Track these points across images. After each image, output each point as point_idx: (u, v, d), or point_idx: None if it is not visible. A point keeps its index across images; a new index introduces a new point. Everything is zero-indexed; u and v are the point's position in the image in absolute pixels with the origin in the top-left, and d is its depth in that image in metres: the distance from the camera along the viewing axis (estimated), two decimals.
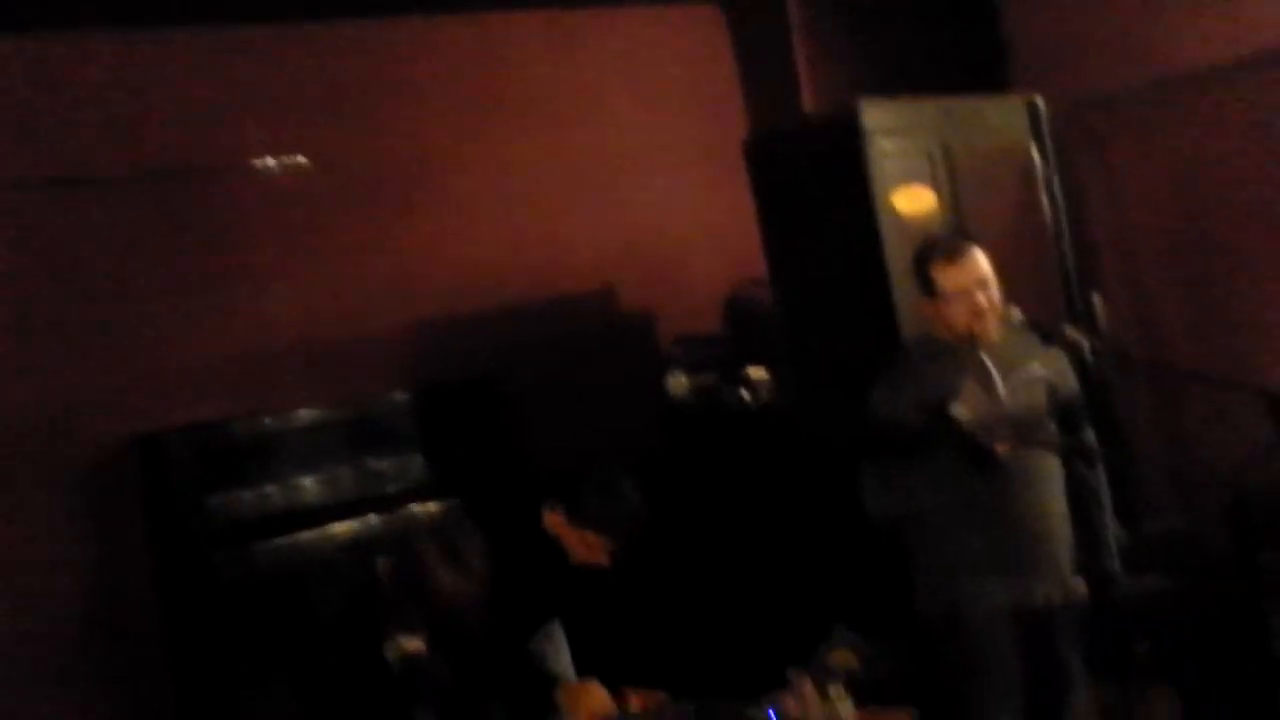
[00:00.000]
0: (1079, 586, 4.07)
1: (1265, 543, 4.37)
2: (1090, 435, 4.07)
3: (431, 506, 5.66)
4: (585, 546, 3.94)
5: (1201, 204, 5.87)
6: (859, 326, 5.21)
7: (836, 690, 3.63)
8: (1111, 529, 4.10)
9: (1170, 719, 4.57)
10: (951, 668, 4.04)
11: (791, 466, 5.25)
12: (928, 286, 4.05)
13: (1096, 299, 5.42)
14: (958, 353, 4.03)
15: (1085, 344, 3.89)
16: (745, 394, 3.37)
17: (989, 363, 3.93)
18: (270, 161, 5.86)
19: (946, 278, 4.00)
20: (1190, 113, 5.81)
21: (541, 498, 4.02)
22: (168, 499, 5.32)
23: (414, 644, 3.49)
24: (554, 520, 3.97)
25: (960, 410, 3.86)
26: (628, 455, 4.14)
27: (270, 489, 5.56)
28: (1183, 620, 4.58)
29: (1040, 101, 5.59)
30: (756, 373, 3.40)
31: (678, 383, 3.44)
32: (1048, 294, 5.47)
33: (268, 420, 5.59)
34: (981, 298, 3.99)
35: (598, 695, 3.74)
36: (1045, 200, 5.57)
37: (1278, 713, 4.34)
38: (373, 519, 5.63)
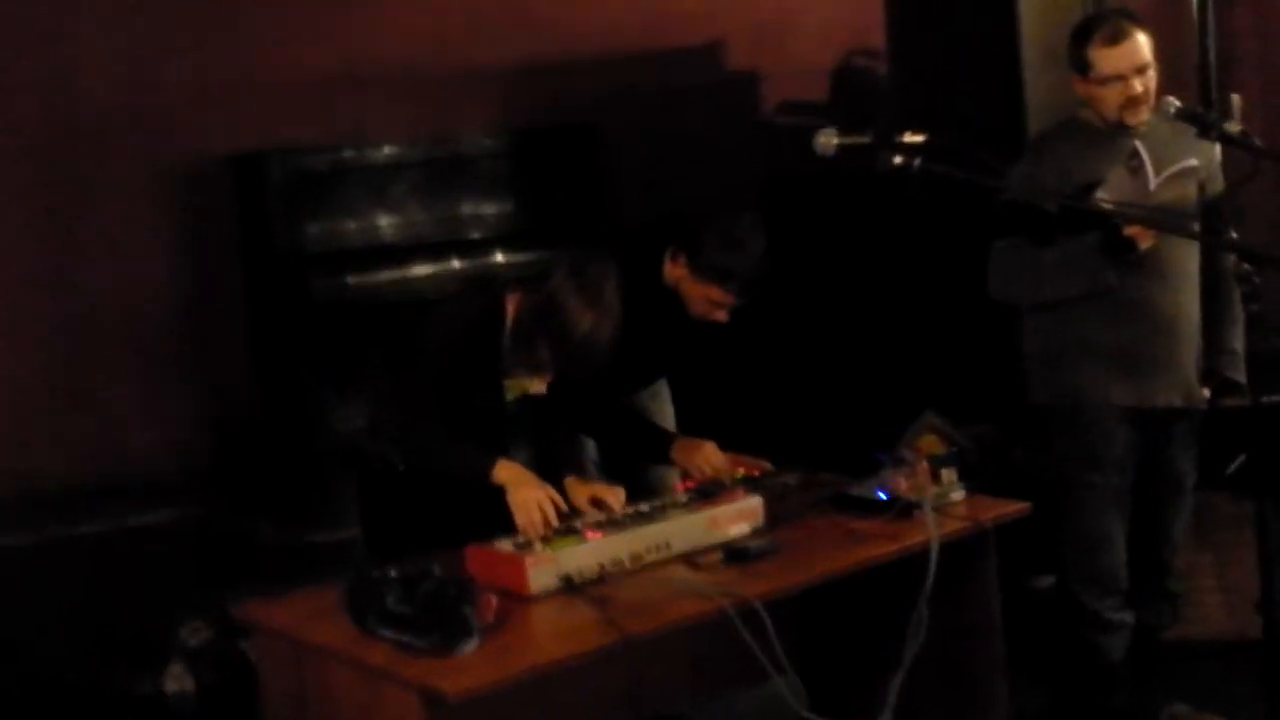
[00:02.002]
0: (1201, 394, 3.97)
1: None
2: (1234, 235, 3.92)
3: (519, 256, 5.55)
4: (706, 301, 3.78)
5: None
6: (983, 107, 5.03)
7: (949, 475, 3.55)
8: (1242, 339, 3.98)
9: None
10: (1064, 459, 3.97)
11: (925, 238, 5.14)
12: (1083, 67, 3.86)
13: (1235, 99, 5.20)
14: (1106, 138, 3.86)
15: (1246, 140, 3.69)
16: (899, 159, 3.20)
17: (1141, 150, 3.76)
18: None
19: (1105, 60, 3.81)
20: None
21: (664, 245, 3.86)
22: (264, 218, 5.24)
23: (536, 385, 3.41)
24: (676, 271, 3.80)
25: (1105, 195, 3.71)
26: (754, 210, 3.96)
27: (359, 223, 5.46)
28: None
29: None
30: (914, 137, 3.23)
31: (827, 141, 3.27)
32: (1185, 89, 5.24)
33: (359, 150, 5.44)
34: (1139, 84, 3.81)
35: (713, 454, 3.67)
36: None
37: None
38: (455, 264, 5.52)
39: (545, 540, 3.18)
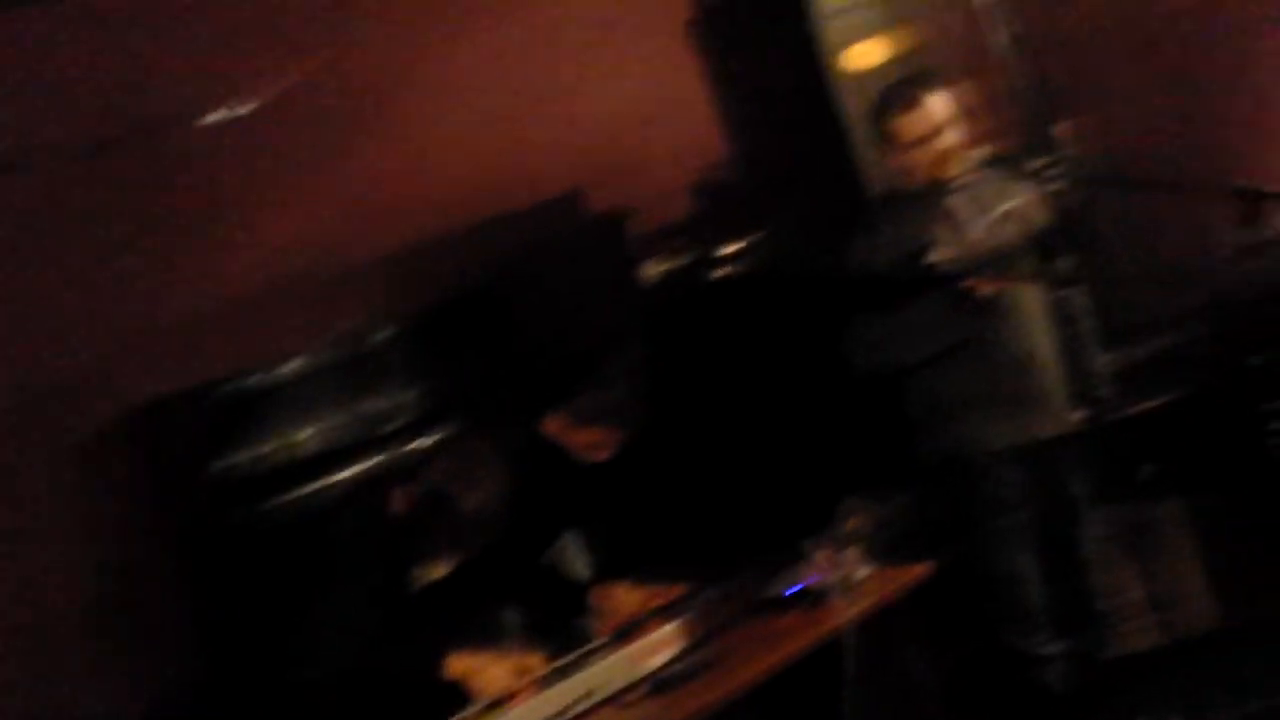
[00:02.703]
0: (1075, 417, 4.07)
1: (1251, 346, 4.36)
2: (1069, 263, 4.05)
3: (429, 440, 5.60)
4: (589, 444, 3.90)
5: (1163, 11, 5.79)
6: (825, 191, 5.16)
7: (853, 554, 3.63)
8: (1099, 355, 4.09)
9: (1181, 534, 4.58)
10: (961, 512, 4.05)
11: (777, 334, 5.24)
12: (887, 138, 4.02)
13: (1061, 127, 5.36)
14: (928, 199, 4.00)
15: (1051, 172, 3.84)
16: (719, 270, 3.33)
17: (959, 205, 3.90)
18: (217, 115, 5.76)
19: (902, 128, 3.97)
20: None
21: (538, 406, 3.99)
22: (175, 468, 5.27)
23: (439, 570, 3.48)
24: (554, 425, 3.94)
25: (936, 256, 3.84)
26: (617, 349, 4.09)
27: (274, 444, 5.50)
28: (1183, 436, 4.58)
29: None
30: (727, 248, 3.36)
31: (655, 269, 3.40)
32: (1013, 122, 5.40)
33: (257, 376, 5.50)
34: (940, 142, 3.95)
35: (626, 593, 3.74)
36: (1001, 30, 5.46)
37: None
38: (379, 459, 5.56)
39: None
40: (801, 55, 5.19)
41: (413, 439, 5.57)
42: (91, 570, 5.23)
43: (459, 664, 3.45)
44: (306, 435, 5.55)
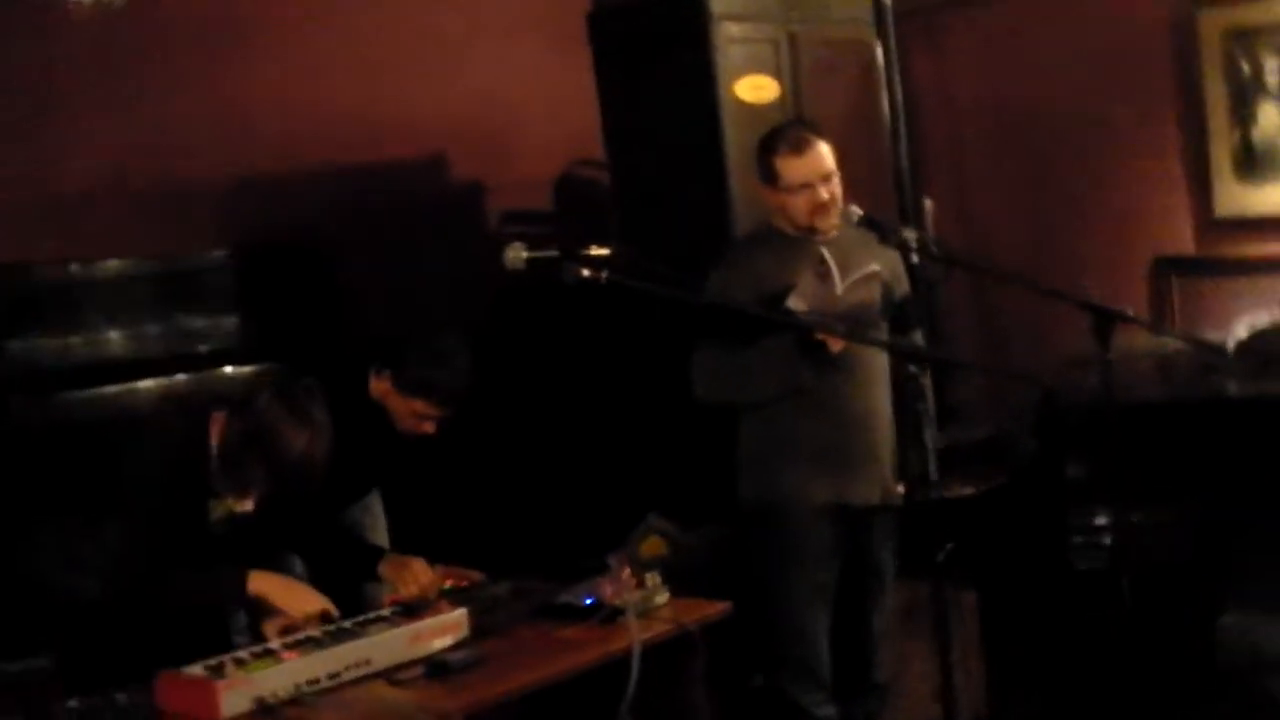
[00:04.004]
0: (897, 488, 4.12)
1: (1073, 455, 4.46)
2: (919, 337, 4.10)
3: (245, 370, 5.48)
4: (412, 415, 3.85)
5: (1032, 112, 5.95)
6: (694, 214, 5.16)
7: (653, 579, 3.61)
8: (932, 433, 4.15)
9: (968, 621, 4.67)
10: (767, 559, 4.06)
11: (624, 347, 5.23)
12: (770, 177, 4.02)
13: (928, 203, 5.45)
14: (796, 245, 4.02)
15: (919, 246, 3.88)
16: (586, 271, 3.28)
17: (828, 257, 3.92)
18: None
19: (790, 169, 3.98)
20: (1031, 19, 5.86)
21: (368, 363, 3.92)
22: None
23: (243, 504, 3.37)
24: (380, 386, 3.88)
25: (796, 302, 3.85)
26: (456, 325, 4.03)
27: (74, 339, 5.31)
28: (987, 525, 4.67)
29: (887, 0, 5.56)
30: (599, 250, 3.32)
31: (515, 255, 3.33)
32: (880, 193, 5.48)
33: (74, 267, 5.31)
34: (824, 191, 3.97)
35: (422, 570, 3.66)
36: (885, 97, 5.55)
37: (1070, 618, 4.46)
38: (181, 378, 5.42)
39: (239, 663, 3.12)
40: (694, 73, 5.17)
41: (225, 365, 5.46)
42: None
43: (260, 581, 3.37)
44: (115, 337, 5.39)
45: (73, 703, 2.85)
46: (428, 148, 6.33)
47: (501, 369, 4.06)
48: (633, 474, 5.32)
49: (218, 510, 3.42)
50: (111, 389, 5.17)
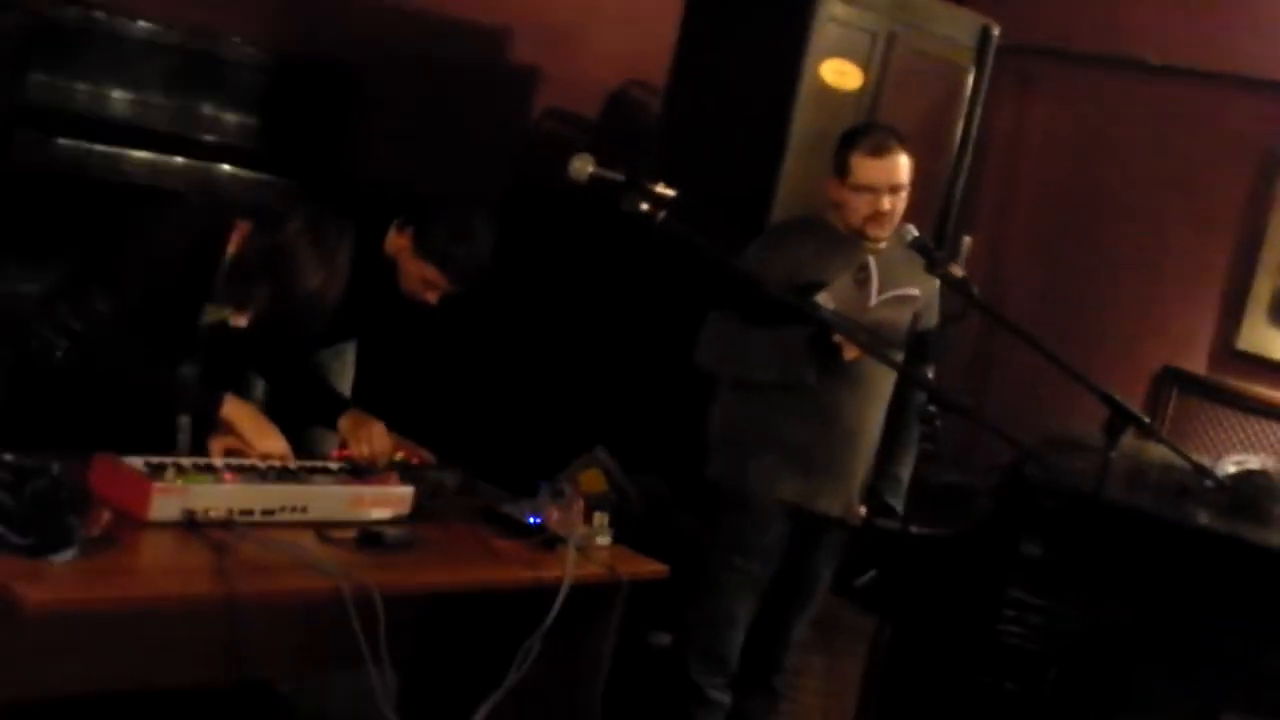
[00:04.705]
0: (859, 509, 4.07)
1: (1031, 532, 4.44)
2: (931, 372, 4.04)
3: (243, 173, 5.35)
4: (420, 279, 3.76)
5: (1096, 186, 5.91)
6: (737, 178, 5.08)
7: (601, 518, 3.53)
8: (909, 469, 4.10)
9: (868, 651, 4.64)
10: (716, 539, 4.01)
11: (627, 282, 5.15)
12: (842, 170, 3.92)
13: (966, 239, 5.38)
14: (843, 244, 3.94)
15: (962, 286, 3.81)
16: (645, 206, 3.19)
17: (872, 266, 3.84)
18: None
19: (864, 169, 3.88)
20: (1121, 96, 5.80)
21: (391, 213, 3.80)
22: None
23: (237, 318, 3.26)
24: (399, 242, 3.79)
25: (826, 299, 3.78)
26: (489, 205, 3.93)
27: (82, 88, 5.15)
28: (922, 569, 4.64)
29: (996, 30, 5.47)
30: (665, 190, 3.22)
31: (581, 167, 3.23)
32: (923, 215, 5.41)
33: (99, 15, 5.12)
34: (888, 202, 3.88)
35: (380, 434, 3.56)
36: (960, 124, 5.47)
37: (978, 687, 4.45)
38: (177, 160, 5.28)
39: (180, 471, 3.03)
40: (786, 38, 5.07)
41: (226, 162, 5.33)
42: None
43: (234, 407, 3.28)
44: (120, 98, 5.24)
45: (6, 456, 2.73)
46: (492, 15, 6.18)
47: (500, 259, 3.95)
48: (596, 403, 5.25)
49: (212, 315, 3.32)
50: (104, 148, 5.05)
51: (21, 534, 2.64)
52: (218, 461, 3.18)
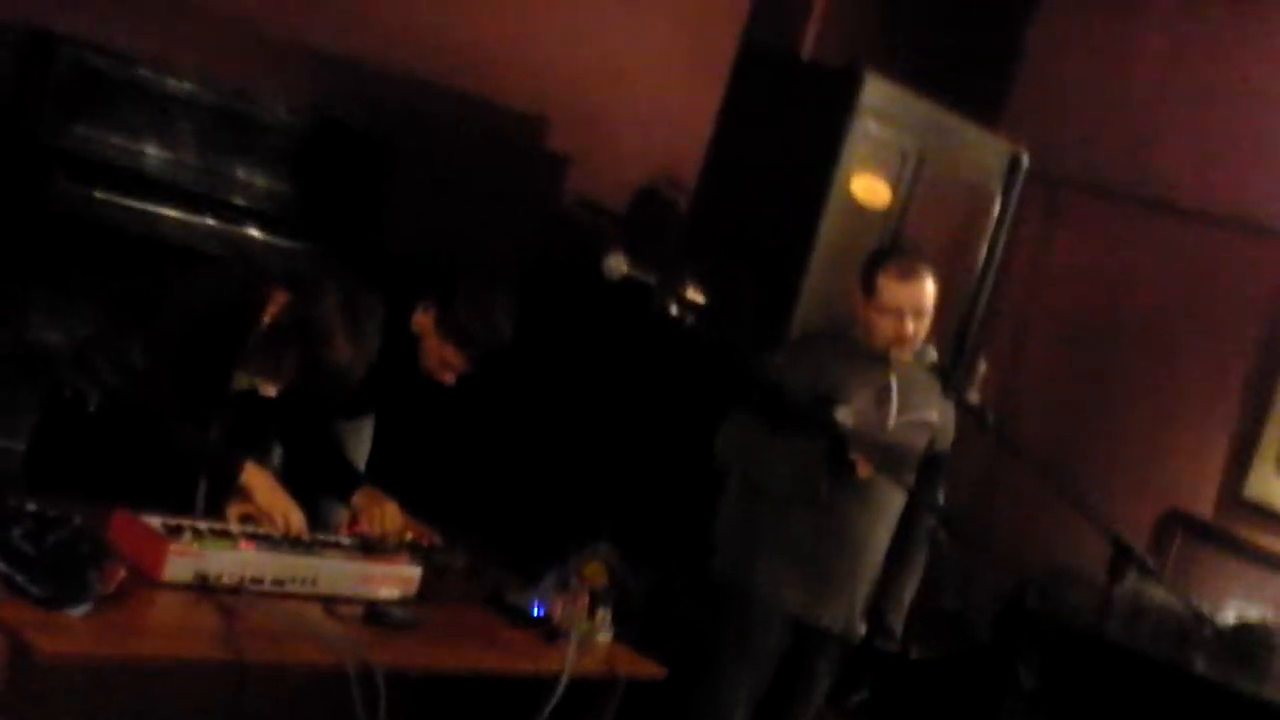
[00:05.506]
0: (860, 628, 4.07)
1: (1029, 663, 4.44)
2: (941, 495, 4.07)
3: (270, 238, 5.39)
4: (440, 359, 3.84)
5: (1113, 320, 5.95)
6: (760, 283, 5.11)
7: (604, 614, 3.54)
8: (913, 592, 4.12)
9: None
10: (715, 638, 4.01)
11: (670, 381, 5.17)
12: (869, 289, 3.97)
13: (983, 362, 5.41)
14: (869, 361, 3.97)
15: (978, 415, 3.84)
16: (675, 309, 3.23)
17: (894, 386, 3.88)
18: None
19: (889, 291, 3.92)
20: (1148, 231, 5.86)
21: (416, 290, 3.86)
22: (34, 103, 4.93)
23: (268, 387, 3.29)
24: (423, 321, 3.85)
25: (845, 415, 3.81)
26: (510, 279, 3.98)
27: (118, 140, 5.19)
28: (915, 693, 4.64)
29: (1025, 157, 5.53)
30: (695, 295, 3.27)
31: (616, 265, 3.28)
32: (939, 334, 5.45)
33: (143, 70, 5.17)
34: (911, 325, 3.93)
35: (393, 515, 3.58)
36: (983, 253, 5.53)
37: None
38: (209, 221, 5.31)
39: (197, 534, 3.04)
40: (819, 150, 5.13)
41: (254, 226, 5.37)
42: None
43: (254, 474, 3.30)
44: (155, 154, 5.29)
45: (30, 505, 2.75)
46: (532, 100, 6.26)
47: (519, 340, 4.00)
48: (602, 489, 5.26)
49: (242, 382, 3.34)
50: (138, 204, 5.09)
51: (39, 583, 2.66)
52: (234, 527, 3.19)
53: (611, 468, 5.35)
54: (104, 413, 3.23)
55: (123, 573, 2.79)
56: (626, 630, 3.60)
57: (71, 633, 2.62)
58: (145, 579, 2.90)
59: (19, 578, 2.67)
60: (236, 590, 3.00)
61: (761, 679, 4.02)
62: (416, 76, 5.94)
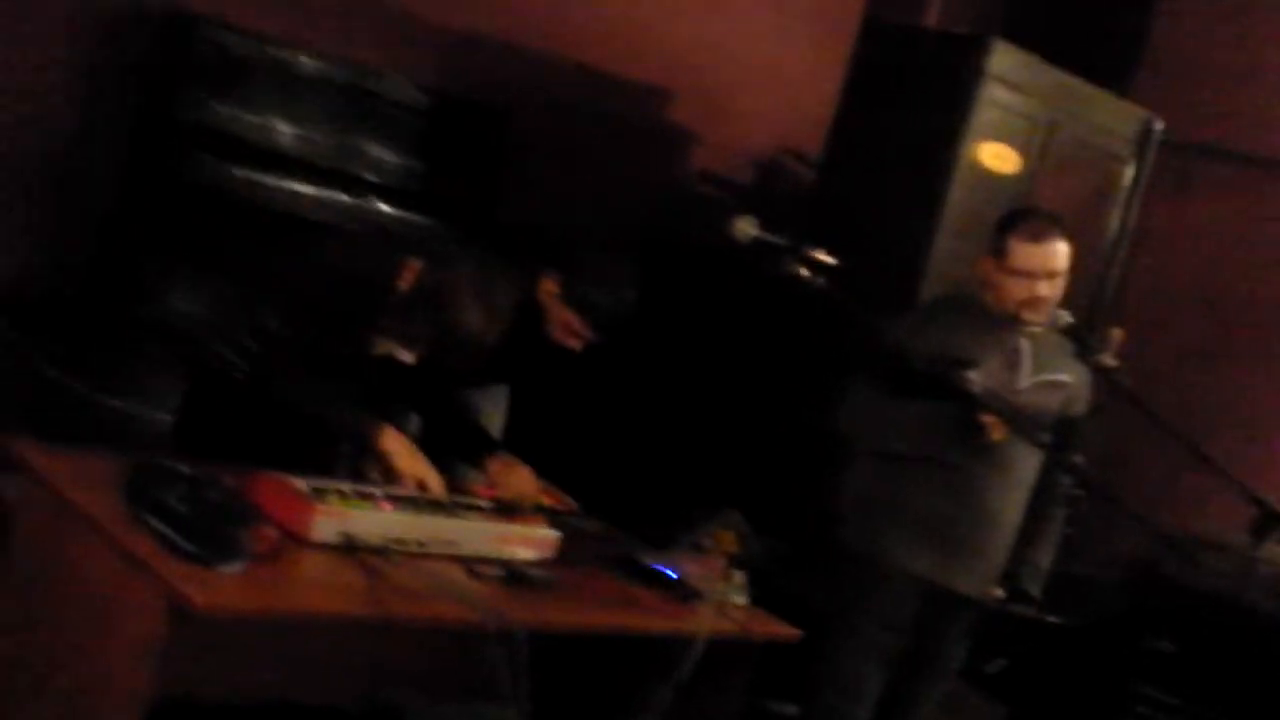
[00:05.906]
0: (995, 593, 4.05)
1: (1155, 628, 4.39)
2: (1073, 457, 4.02)
3: (397, 213, 5.47)
4: (564, 325, 3.89)
5: (1247, 288, 5.85)
6: (887, 252, 5.11)
7: (740, 577, 3.56)
8: (1050, 556, 4.08)
9: None
10: (845, 606, 4.01)
11: (793, 352, 5.18)
12: (999, 252, 3.93)
13: (1116, 331, 5.36)
14: (996, 325, 3.94)
15: (1113, 377, 3.80)
16: (805, 271, 3.24)
17: (1024, 348, 3.85)
18: None
19: (1021, 253, 3.89)
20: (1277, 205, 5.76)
21: (540, 258, 3.91)
22: (172, 81, 5.05)
23: (405, 354, 3.36)
24: (548, 289, 3.91)
25: (976, 377, 3.78)
26: (633, 256, 4.02)
27: (251, 119, 5.30)
28: (1048, 659, 4.61)
29: (1158, 125, 5.46)
30: (826, 257, 3.27)
31: (745, 229, 3.29)
32: (1072, 307, 5.40)
33: (288, 52, 5.27)
34: (1044, 288, 3.89)
35: (527, 478, 3.63)
36: (1116, 221, 5.46)
37: None
38: (342, 196, 5.41)
39: (342, 496, 3.11)
40: (946, 119, 5.11)
41: (382, 202, 5.46)
42: (51, 129, 5.01)
43: (392, 439, 3.35)
44: (287, 131, 5.38)
45: (184, 467, 2.84)
46: (654, 73, 6.28)
47: (641, 313, 4.04)
48: (722, 461, 5.28)
49: (381, 348, 3.41)
50: (272, 179, 5.19)
51: (193, 541, 2.73)
52: (377, 490, 3.25)
53: (734, 438, 5.37)
54: (250, 382, 3.30)
55: (274, 534, 2.86)
56: (753, 599, 3.61)
57: (224, 589, 2.69)
58: (294, 541, 2.97)
59: (175, 536, 2.74)
60: (380, 551, 3.05)
61: (894, 645, 4.01)
62: (540, 53, 5.98)
